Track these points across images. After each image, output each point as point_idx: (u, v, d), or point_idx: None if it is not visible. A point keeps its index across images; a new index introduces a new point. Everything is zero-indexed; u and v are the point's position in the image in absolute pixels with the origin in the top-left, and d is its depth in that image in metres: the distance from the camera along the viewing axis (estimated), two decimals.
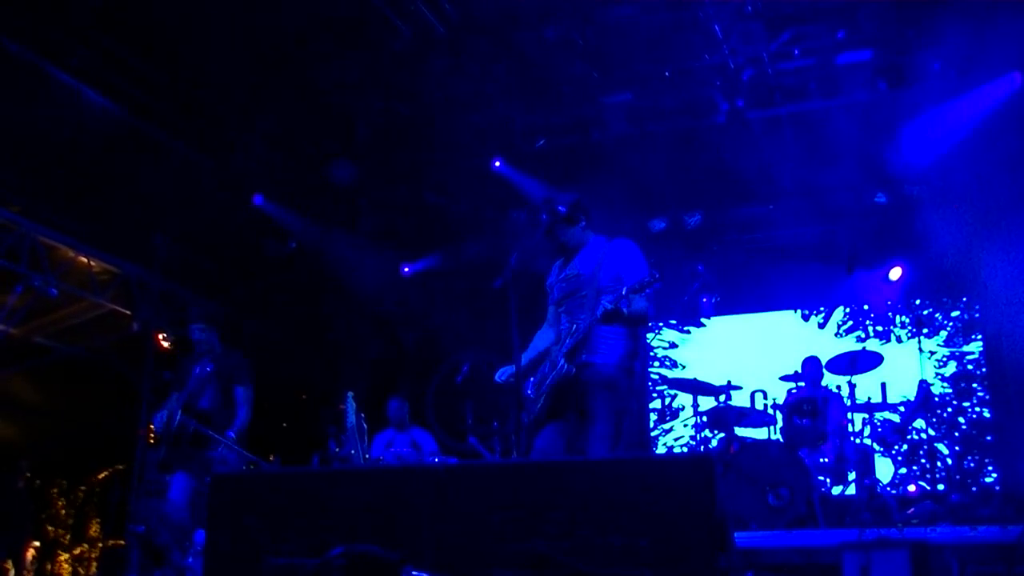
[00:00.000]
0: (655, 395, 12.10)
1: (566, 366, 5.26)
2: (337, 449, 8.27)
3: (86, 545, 12.43)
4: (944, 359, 11.22)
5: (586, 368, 5.28)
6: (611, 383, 5.28)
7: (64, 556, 12.27)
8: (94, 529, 12.79)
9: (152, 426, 7.28)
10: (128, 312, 10.53)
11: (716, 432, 9.17)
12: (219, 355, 7.34)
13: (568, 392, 5.31)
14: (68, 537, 12.77)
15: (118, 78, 9.01)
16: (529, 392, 5.40)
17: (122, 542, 10.53)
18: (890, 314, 11.48)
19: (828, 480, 8.46)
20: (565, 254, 5.66)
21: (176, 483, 6.99)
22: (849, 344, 11.34)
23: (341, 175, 10.20)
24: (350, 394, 8.20)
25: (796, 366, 9.22)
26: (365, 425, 8.32)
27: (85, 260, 10.05)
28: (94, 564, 11.84)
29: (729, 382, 9.05)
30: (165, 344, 10.64)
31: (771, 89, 9.30)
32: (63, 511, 12.97)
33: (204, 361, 7.23)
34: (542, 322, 5.91)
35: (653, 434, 11.94)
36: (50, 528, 12.55)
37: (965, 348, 11.20)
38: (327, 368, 11.91)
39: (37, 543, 11.91)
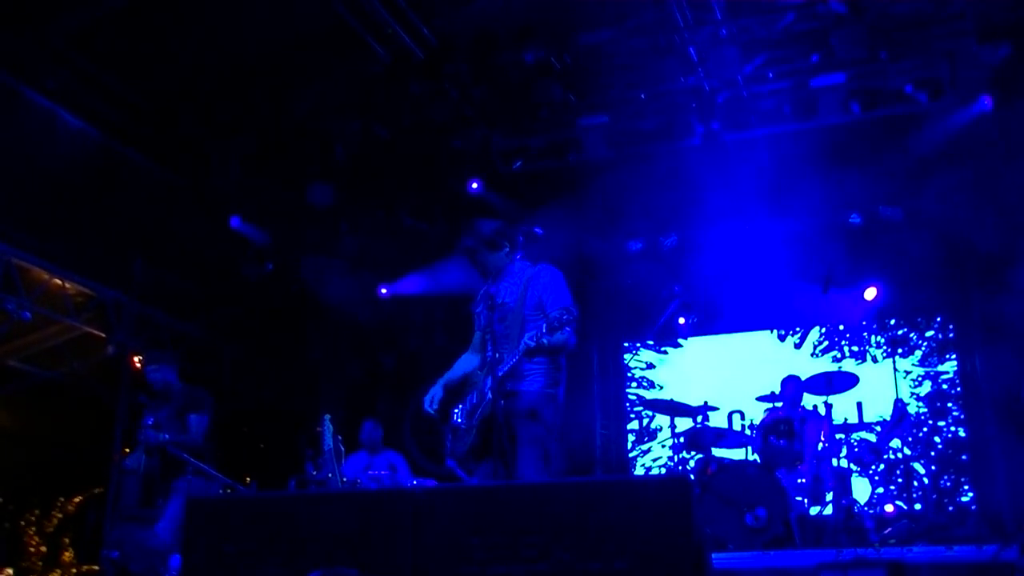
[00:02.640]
0: (632, 416, 12.12)
1: (493, 398, 5.23)
2: (314, 472, 8.22)
3: (59, 571, 12.27)
4: (919, 379, 11.30)
5: (510, 397, 5.31)
6: (534, 411, 5.31)
7: None
8: (68, 555, 12.64)
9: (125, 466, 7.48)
10: (103, 335, 10.46)
11: (693, 453, 9.19)
12: (179, 393, 7.53)
13: (492, 428, 5.31)
14: (41, 564, 12.61)
15: (95, 100, 8.99)
16: (460, 422, 5.43)
17: (96, 567, 10.41)
18: (865, 334, 11.56)
19: (805, 500, 8.49)
20: (490, 280, 5.67)
21: (168, 513, 7.14)
22: (825, 364, 11.41)
23: (319, 198, 10.19)
24: (327, 417, 8.17)
25: (772, 386, 9.26)
26: (342, 448, 8.30)
27: (60, 282, 9.98)
28: None
29: (706, 403, 9.09)
30: (140, 367, 10.56)
31: (746, 112, 9.38)
32: (36, 537, 12.81)
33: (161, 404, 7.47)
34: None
35: (631, 455, 11.96)
36: (25, 553, 12.40)
37: (940, 368, 11.29)
38: (305, 391, 11.86)
39: (10, 570, 11.75)
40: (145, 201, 9.82)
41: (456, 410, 5.49)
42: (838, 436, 8.62)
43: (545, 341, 5.12)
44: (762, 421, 8.92)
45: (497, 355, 5.29)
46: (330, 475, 7.93)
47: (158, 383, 7.51)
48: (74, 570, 12.07)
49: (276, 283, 11.23)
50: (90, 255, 10.11)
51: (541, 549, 3.79)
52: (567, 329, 5.22)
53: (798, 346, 11.85)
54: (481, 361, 5.58)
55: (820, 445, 8.55)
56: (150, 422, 7.32)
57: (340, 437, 8.19)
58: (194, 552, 4.37)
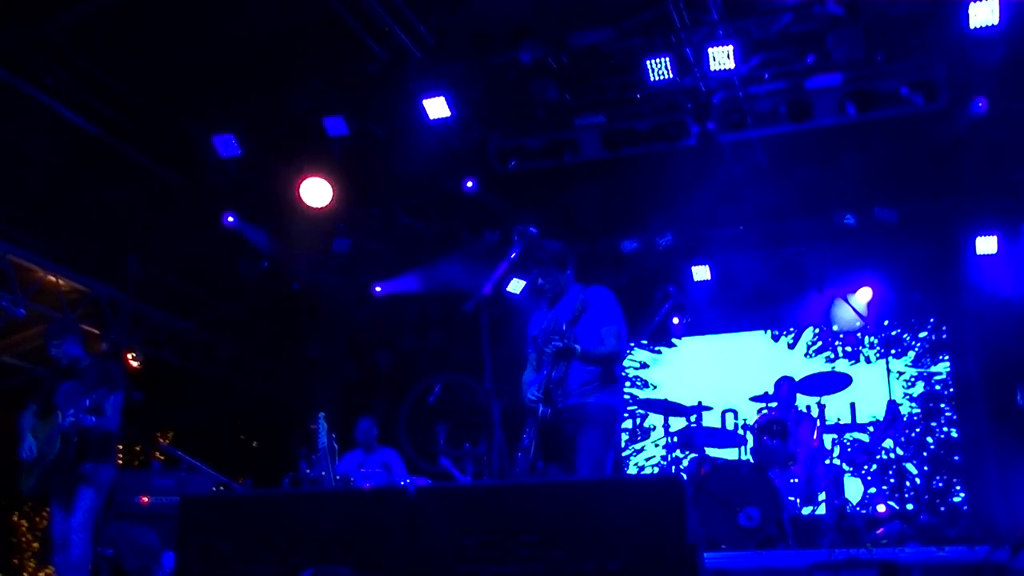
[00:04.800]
0: (626, 415, 12.14)
1: (543, 409, 5.40)
2: (308, 470, 8.22)
3: (51, 568, 12.26)
4: (912, 379, 11.35)
5: (566, 410, 5.43)
6: (588, 422, 5.43)
7: None
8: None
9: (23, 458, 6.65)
10: (97, 331, 10.45)
11: (687, 453, 9.21)
12: (87, 368, 6.79)
13: (553, 435, 5.43)
14: (33, 561, 12.61)
15: (91, 96, 8.98)
16: (525, 442, 5.48)
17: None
18: (859, 335, 11.59)
19: (798, 500, 8.51)
20: (547, 301, 5.76)
21: (80, 504, 6.53)
22: (819, 364, 11.44)
23: (314, 196, 10.18)
24: (322, 415, 8.17)
25: (766, 386, 9.28)
26: (336, 446, 8.30)
27: (54, 279, 9.97)
28: None
29: (700, 403, 9.10)
30: (135, 364, 10.56)
31: (742, 112, 9.39)
32: (28, 533, 12.80)
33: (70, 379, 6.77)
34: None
35: (624, 454, 11.98)
36: (16, 550, 12.39)
37: (933, 368, 11.33)
38: (300, 389, 11.87)
39: None
40: (140, 198, 9.81)
41: (525, 433, 5.56)
42: (831, 436, 8.64)
43: (578, 347, 5.36)
44: (756, 421, 8.94)
45: (554, 374, 5.44)
46: (324, 473, 7.93)
47: (64, 358, 6.77)
48: None
49: (272, 281, 11.23)
50: (85, 252, 10.11)
51: (535, 549, 3.81)
52: (608, 340, 5.47)
53: (792, 346, 11.88)
54: (538, 380, 5.59)
55: (813, 445, 8.57)
56: (62, 402, 6.58)
57: (335, 435, 8.19)
58: (188, 550, 4.37)
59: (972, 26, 7.89)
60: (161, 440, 11.85)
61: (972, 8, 7.80)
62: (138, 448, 12.46)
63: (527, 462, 5.43)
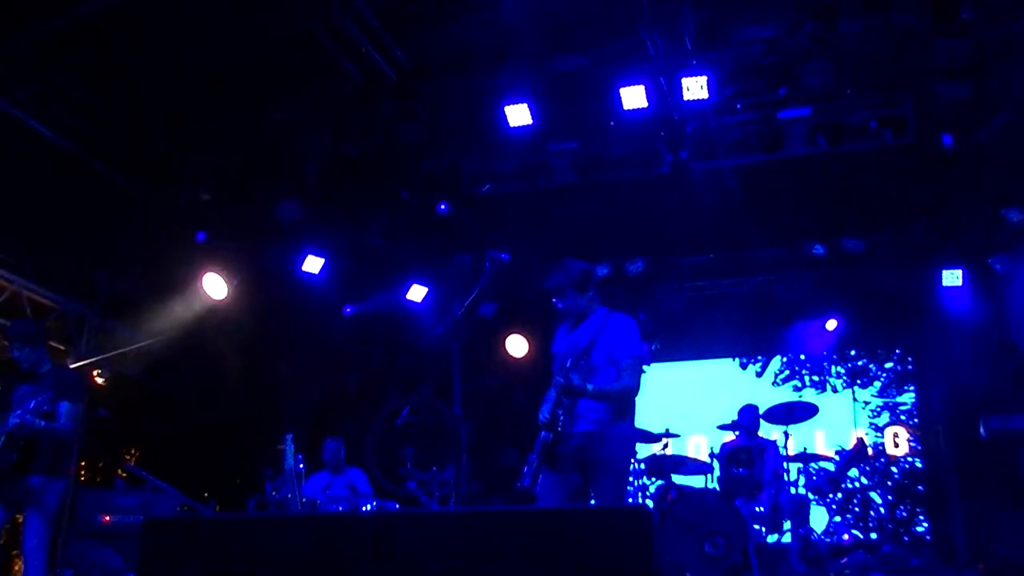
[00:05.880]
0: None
1: (544, 435, 5.42)
2: (274, 493, 8.15)
3: None
4: (878, 409, 11.44)
5: (578, 436, 5.44)
6: (595, 450, 5.44)
7: None
8: (18, 567, 12.42)
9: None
10: (63, 347, 10.35)
11: (654, 479, 9.23)
12: (46, 373, 6.70)
13: (556, 454, 5.45)
14: None
15: (64, 111, 8.92)
16: (533, 458, 5.48)
17: None
18: (826, 364, 11.69)
19: (763, 529, 8.55)
20: (570, 321, 5.77)
21: (31, 530, 6.34)
22: (786, 393, 11.53)
23: (287, 215, 10.16)
24: (289, 436, 8.11)
25: (734, 414, 9.34)
26: (303, 467, 8.23)
27: (19, 292, 9.86)
28: None
29: (667, 430, 9.14)
30: (100, 381, 10.46)
31: (714, 142, 9.48)
32: None
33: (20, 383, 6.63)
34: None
35: None
36: None
37: (898, 399, 11.44)
38: (267, 409, 11.78)
39: None
40: (111, 214, 9.74)
41: (535, 447, 5.55)
42: (797, 465, 8.70)
43: (590, 387, 5.37)
44: (722, 449, 8.99)
45: (564, 401, 5.44)
46: (290, 495, 7.86)
47: (25, 361, 6.63)
48: None
49: (240, 299, 11.16)
50: (53, 266, 10.01)
51: None
52: (625, 375, 5.46)
53: (759, 375, 11.96)
54: (549, 402, 5.59)
55: (779, 474, 8.62)
56: (14, 404, 6.41)
57: (301, 456, 8.13)
58: (151, 573, 4.32)
59: (938, 63, 8.04)
60: (127, 458, 11.70)
61: (939, 45, 7.95)
62: (101, 465, 12.31)
63: (531, 477, 5.43)
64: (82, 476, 10.80)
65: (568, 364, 5.42)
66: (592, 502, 5.43)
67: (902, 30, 8.24)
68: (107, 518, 8.70)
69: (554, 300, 5.72)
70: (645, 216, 10.43)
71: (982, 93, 8.51)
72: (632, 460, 5.69)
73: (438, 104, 9.36)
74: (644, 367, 5.32)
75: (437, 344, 5.59)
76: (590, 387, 5.37)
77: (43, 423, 6.33)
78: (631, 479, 8.89)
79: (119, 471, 10.17)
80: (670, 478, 8.87)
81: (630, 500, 10.99)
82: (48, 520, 6.47)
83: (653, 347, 11.68)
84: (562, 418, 5.42)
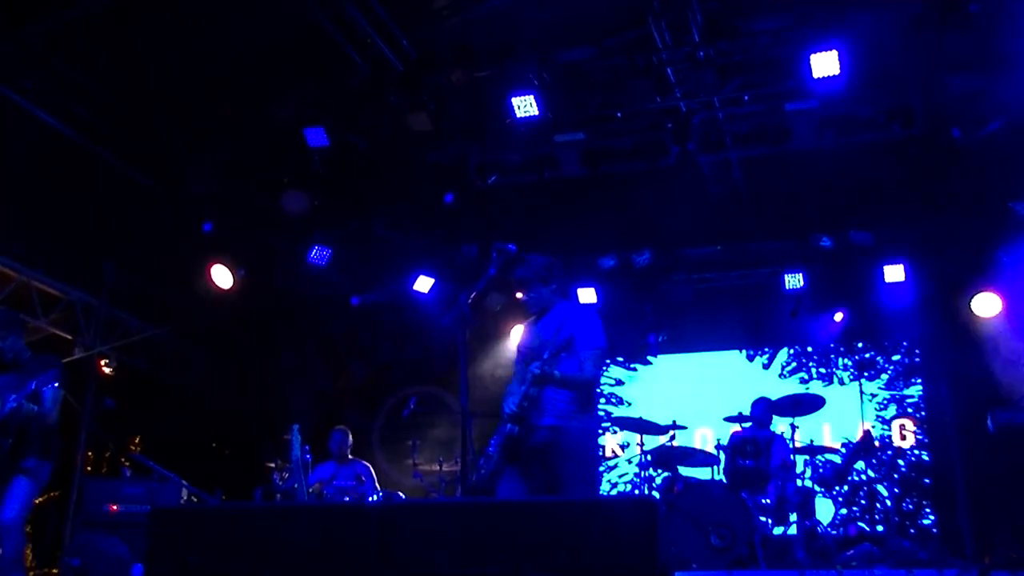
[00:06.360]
0: (600, 431, 12.15)
1: (511, 427, 5.39)
2: (280, 482, 8.17)
3: None
4: (885, 402, 11.42)
5: (536, 429, 5.41)
6: (556, 443, 5.40)
7: None
8: (27, 559, 12.46)
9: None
10: (70, 337, 10.38)
11: (660, 471, 9.23)
12: (28, 361, 6.66)
13: (520, 447, 5.41)
14: None
15: (71, 102, 8.94)
16: (492, 450, 5.47)
17: (55, 571, 10.31)
18: (832, 356, 11.67)
19: (769, 521, 8.55)
20: (534, 315, 5.76)
21: (15, 495, 6.34)
22: (793, 385, 11.52)
23: (294, 206, 10.16)
24: (296, 426, 8.13)
25: (740, 405, 9.33)
26: (309, 457, 8.25)
27: (27, 282, 9.89)
28: None
29: (674, 421, 9.13)
30: (107, 370, 10.49)
31: (721, 133, 9.46)
32: None
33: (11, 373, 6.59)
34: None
35: (598, 470, 12.00)
36: None
37: (905, 391, 11.42)
38: (274, 399, 11.81)
39: None
40: (118, 204, 9.76)
41: (493, 440, 5.54)
42: (803, 457, 8.69)
43: (557, 373, 5.34)
44: (729, 441, 8.98)
45: (530, 392, 5.41)
46: (296, 485, 7.88)
47: (8, 351, 6.61)
48: (32, 575, 11.92)
49: (247, 290, 11.19)
50: (60, 256, 10.04)
51: (507, 567, 3.80)
52: (587, 365, 5.45)
53: (766, 367, 11.95)
54: (518, 395, 5.56)
55: (786, 466, 8.61)
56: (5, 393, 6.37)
57: (308, 447, 8.15)
58: (157, 562, 4.33)
59: (947, 55, 8.01)
60: (132, 447, 11.74)
61: (949, 37, 7.91)
62: (107, 455, 12.36)
63: (490, 468, 5.43)
64: (88, 466, 10.83)
65: (545, 356, 5.37)
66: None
67: (911, 21, 8.20)
68: (114, 507, 8.73)
69: (520, 295, 5.72)
70: (652, 208, 10.40)
71: (990, 85, 8.48)
72: (597, 455, 5.62)
73: (445, 95, 9.34)
74: (606, 361, 5.24)
75: (444, 335, 5.57)
76: (557, 373, 5.36)
77: (36, 408, 6.37)
78: (638, 470, 8.89)
79: (125, 461, 10.21)
80: (676, 470, 8.86)
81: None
82: (36, 487, 6.46)
83: (660, 339, 11.70)
84: (530, 410, 5.39)
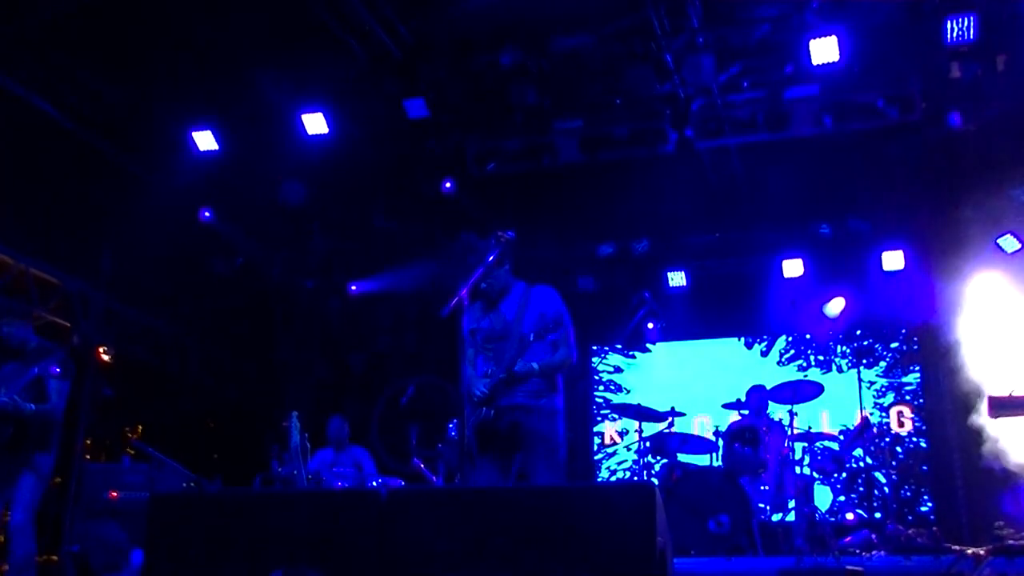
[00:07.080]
0: (599, 419, 12.18)
1: (486, 411, 5.34)
2: (279, 469, 8.18)
3: None
4: (883, 389, 11.43)
5: (507, 411, 5.39)
6: (530, 424, 5.40)
7: None
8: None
9: None
10: (67, 324, 10.36)
11: (659, 458, 9.25)
12: (34, 350, 6.65)
13: (492, 432, 5.39)
14: None
15: (68, 91, 8.91)
16: (454, 435, 5.46)
17: (55, 558, 10.33)
18: (831, 344, 11.68)
19: (768, 508, 8.57)
20: (486, 297, 5.63)
21: (21, 496, 6.31)
22: (791, 373, 11.52)
23: (291, 196, 10.15)
24: (295, 414, 8.13)
25: (739, 393, 9.34)
26: (308, 445, 8.26)
27: (24, 269, 9.87)
28: None
29: (673, 408, 9.15)
30: (106, 359, 10.48)
31: (720, 120, 9.44)
32: None
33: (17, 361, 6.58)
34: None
35: (596, 458, 12.02)
36: None
37: (904, 379, 11.43)
38: (272, 387, 11.81)
39: None
40: (115, 192, 9.74)
41: (451, 424, 5.52)
42: (801, 444, 8.71)
43: (535, 366, 5.34)
44: (727, 428, 8.99)
45: (492, 371, 5.39)
46: (295, 472, 7.89)
47: (13, 339, 6.59)
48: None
49: (246, 279, 11.19)
50: (57, 245, 10.02)
51: (506, 553, 3.81)
52: (561, 350, 5.44)
53: (765, 354, 11.95)
54: (476, 376, 5.53)
55: (784, 453, 8.63)
56: (9, 382, 6.39)
57: (307, 434, 8.16)
58: (157, 548, 4.35)
59: (946, 41, 7.99)
60: (131, 436, 11.75)
61: (949, 23, 7.89)
62: (107, 442, 12.37)
63: (455, 452, 5.40)
64: (88, 454, 10.84)
65: (531, 338, 5.32)
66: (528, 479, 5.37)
67: (910, 7, 8.18)
68: (114, 494, 8.73)
69: (480, 284, 5.50)
70: (650, 195, 10.39)
71: (990, 71, 8.46)
72: (565, 433, 5.55)
73: (443, 83, 9.31)
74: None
75: (442, 325, 5.54)
76: (535, 365, 5.33)
77: (33, 407, 6.32)
78: (636, 457, 8.90)
79: (126, 447, 10.22)
80: (675, 457, 8.88)
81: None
82: (43, 483, 6.43)
83: (659, 325, 11.71)
84: (499, 391, 5.36)
